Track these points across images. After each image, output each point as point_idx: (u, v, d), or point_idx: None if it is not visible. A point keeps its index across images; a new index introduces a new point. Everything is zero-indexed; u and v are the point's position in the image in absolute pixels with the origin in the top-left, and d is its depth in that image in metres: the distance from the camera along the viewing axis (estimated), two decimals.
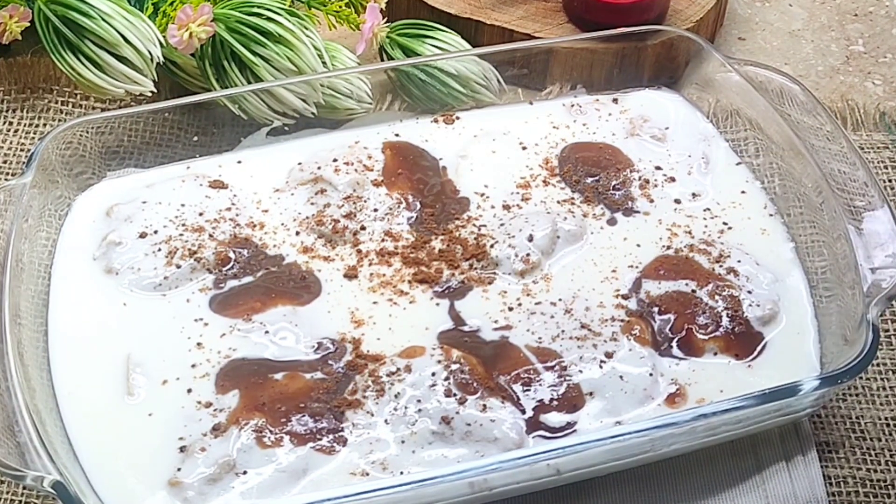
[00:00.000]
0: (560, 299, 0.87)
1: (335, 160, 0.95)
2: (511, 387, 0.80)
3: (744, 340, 0.83)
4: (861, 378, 0.89)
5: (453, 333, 0.85)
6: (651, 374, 0.81)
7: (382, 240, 0.91)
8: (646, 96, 1.04)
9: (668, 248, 0.90)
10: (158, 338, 0.84)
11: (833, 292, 0.86)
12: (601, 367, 0.81)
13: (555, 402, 0.79)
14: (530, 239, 0.89)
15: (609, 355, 0.82)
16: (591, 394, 0.80)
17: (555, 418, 0.79)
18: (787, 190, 0.94)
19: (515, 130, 1.00)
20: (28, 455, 0.71)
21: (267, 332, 0.84)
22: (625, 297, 0.87)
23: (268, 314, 0.85)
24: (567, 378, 0.80)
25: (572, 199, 0.95)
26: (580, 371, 0.81)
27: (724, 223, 0.93)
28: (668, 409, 0.80)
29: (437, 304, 0.87)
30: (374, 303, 0.87)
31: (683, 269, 0.88)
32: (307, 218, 0.92)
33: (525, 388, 0.80)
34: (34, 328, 0.83)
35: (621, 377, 0.81)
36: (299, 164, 0.96)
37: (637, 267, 0.89)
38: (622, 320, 0.85)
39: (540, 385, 0.80)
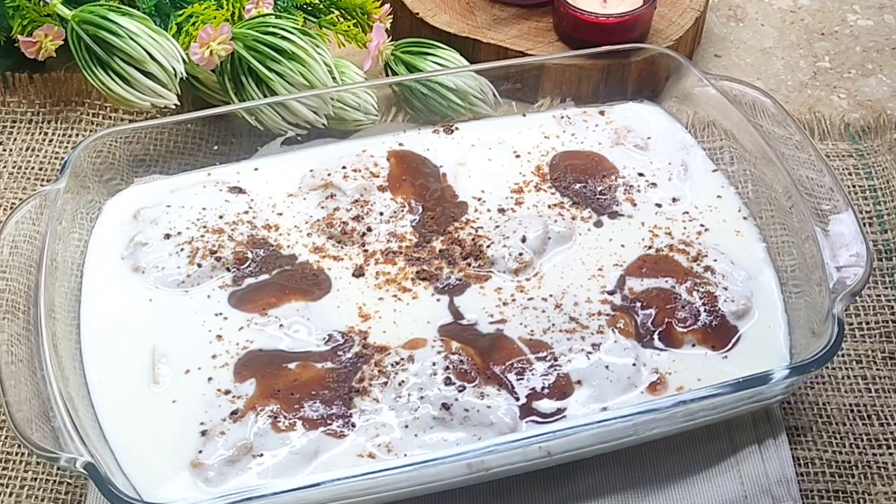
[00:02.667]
0: (551, 295, 0.86)
1: (344, 167, 0.95)
2: (506, 376, 0.80)
3: (719, 333, 0.83)
4: (827, 367, 0.89)
5: (452, 327, 0.84)
6: (634, 364, 0.81)
7: (388, 241, 0.91)
8: (629, 109, 1.04)
9: (650, 247, 0.90)
10: (182, 331, 0.84)
11: (802, 289, 0.86)
12: (588, 357, 0.81)
13: (546, 390, 0.79)
14: (523, 240, 0.89)
15: (596, 347, 0.82)
16: (579, 382, 0.80)
17: (546, 405, 0.79)
18: (760, 195, 0.93)
19: (510, 140, 1.00)
20: (62, 438, 0.71)
21: (281, 325, 0.84)
22: (610, 293, 0.87)
23: (282, 309, 0.85)
24: (557, 368, 0.80)
25: (562, 203, 0.94)
26: (569, 361, 0.81)
27: (702, 225, 0.93)
28: (650, 396, 0.80)
29: (438, 300, 0.86)
30: (380, 299, 0.86)
31: (664, 266, 0.88)
32: (318, 221, 0.92)
33: (518, 377, 0.80)
34: (67, 322, 0.83)
35: (607, 367, 0.80)
36: (311, 171, 0.96)
37: (621, 266, 0.89)
38: (608, 314, 0.85)
39: (532, 374, 0.80)
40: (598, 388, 0.80)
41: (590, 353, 0.81)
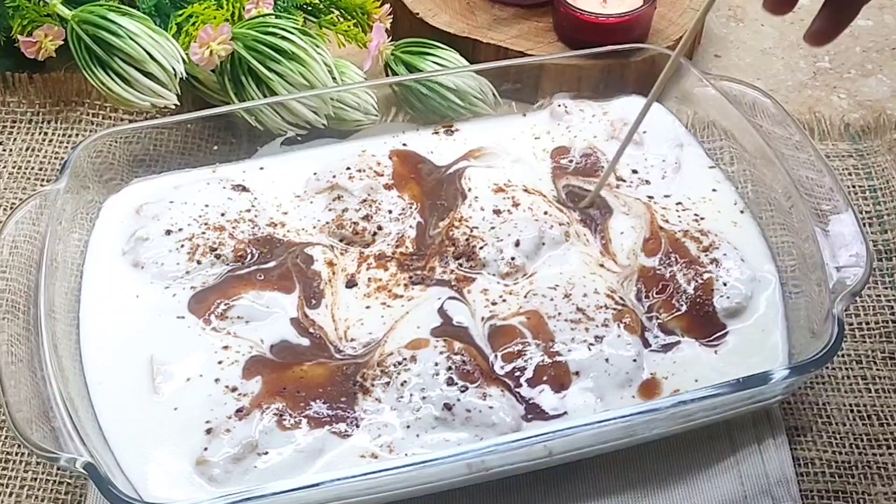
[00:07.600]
0: (558, 285, 0.86)
1: (348, 168, 0.95)
2: (505, 369, 0.79)
3: (706, 324, 0.83)
4: (827, 368, 0.89)
5: (449, 328, 0.84)
6: (635, 360, 0.81)
7: (391, 243, 0.90)
8: (629, 101, 1.02)
9: (666, 222, 0.89)
10: (183, 331, 0.83)
11: (801, 289, 0.85)
12: (590, 349, 0.81)
13: (544, 378, 0.79)
14: (517, 244, 0.88)
15: (599, 339, 0.81)
16: (577, 373, 0.80)
17: (547, 402, 0.78)
18: (760, 195, 0.93)
19: (508, 140, 1.00)
20: (62, 439, 0.71)
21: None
22: (614, 291, 0.86)
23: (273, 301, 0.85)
24: (557, 356, 0.80)
25: (551, 201, 0.94)
26: (570, 351, 0.80)
27: (697, 214, 0.92)
28: (648, 395, 0.79)
29: (436, 300, 0.86)
30: (383, 304, 0.86)
31: (674, 248, 0.87)
32: (328, 223, 0.92)
33: (516, 365, 0.79)
34: (67, 322, 0.83)
35: (607, 360, 0.80)
36: (314, 174, 0.95)
37: (625, 256, 0.89)
38: (615, 309, 0.84)
39: (530, 361, 0.80)
40: (596, 381, 0.79)
41: (591, 345, 0.81)
